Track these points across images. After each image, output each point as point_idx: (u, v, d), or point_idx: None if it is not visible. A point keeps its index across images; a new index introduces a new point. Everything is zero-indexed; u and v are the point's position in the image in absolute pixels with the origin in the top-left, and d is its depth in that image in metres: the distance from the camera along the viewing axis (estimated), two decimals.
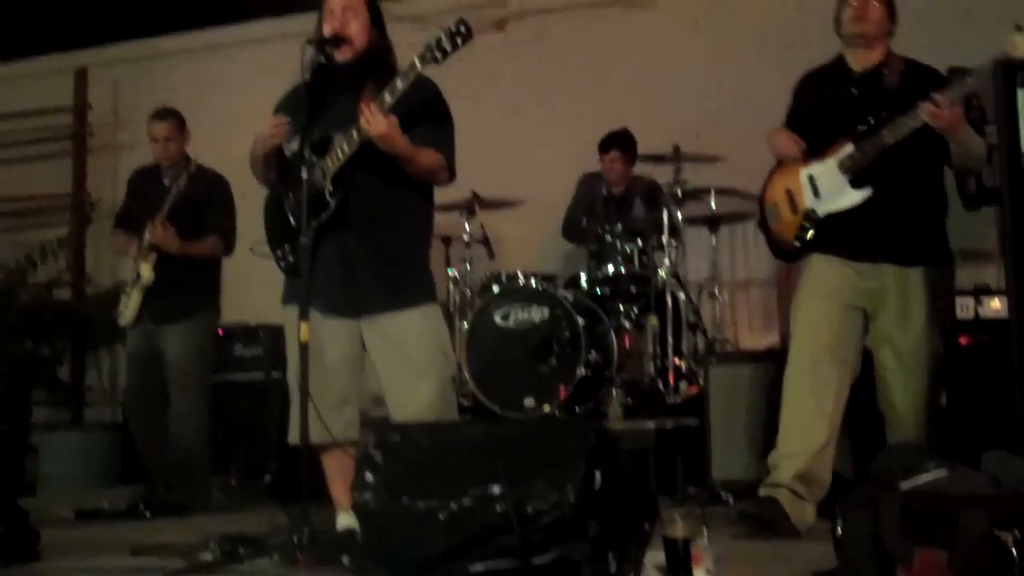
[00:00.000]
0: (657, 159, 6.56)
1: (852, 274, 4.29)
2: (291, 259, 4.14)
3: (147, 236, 5.79)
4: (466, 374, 5.91)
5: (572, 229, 6.87)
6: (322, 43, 4.07)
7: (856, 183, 4.23)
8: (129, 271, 6.03)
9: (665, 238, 6.12)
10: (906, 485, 2.95)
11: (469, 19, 8.04)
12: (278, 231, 4.22)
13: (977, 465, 3.15)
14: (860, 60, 4.34)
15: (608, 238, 6.17)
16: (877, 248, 4.27)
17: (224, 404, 6.36)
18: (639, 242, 6.14)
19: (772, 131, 4.45)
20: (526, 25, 8.21)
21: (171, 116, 6.02)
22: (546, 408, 5.66)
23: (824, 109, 4.38)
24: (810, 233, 4.33)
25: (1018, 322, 3.45)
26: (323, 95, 4.08)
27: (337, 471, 4.24)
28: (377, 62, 4.19)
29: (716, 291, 6.45)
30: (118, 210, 6.29)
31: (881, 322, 4.28)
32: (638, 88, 7.71)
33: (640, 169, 6.80)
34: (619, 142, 6.77)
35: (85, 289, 8.86)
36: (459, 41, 3.92)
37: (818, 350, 4.24)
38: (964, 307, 4.96)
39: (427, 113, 4.14)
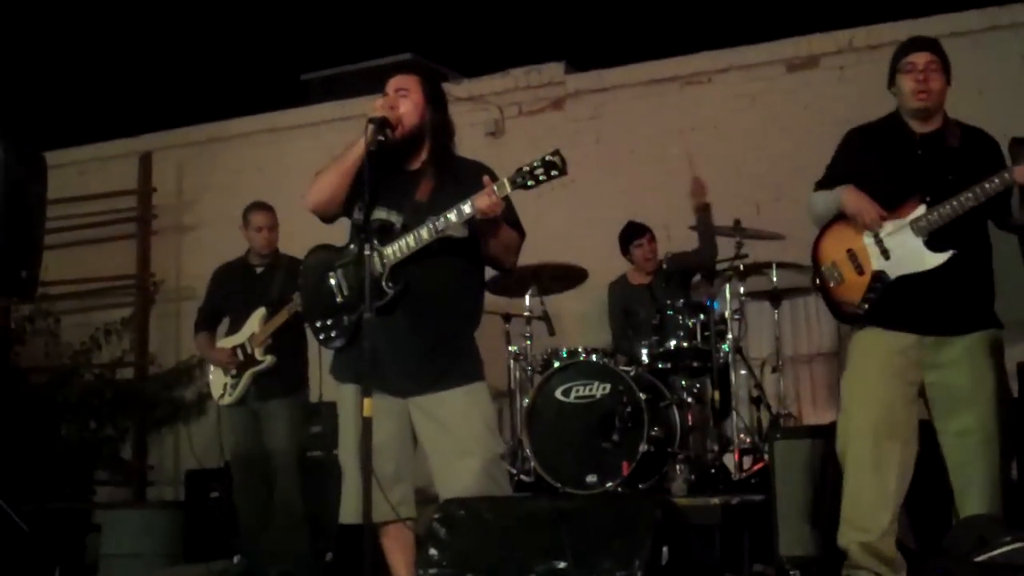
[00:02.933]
0: (718, 232, 6.55)
1: (913, 349, 4.19)
2: (332, 335, 4.18)
3: (254, 323, 6.14)
4: (527, 450, 5.88)
5: (621, 337, 6.89)
6: (379, 123, 4.12)
7: (932, 246, 4.16)
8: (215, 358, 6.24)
9: (727, 312, 6.07)
10: (981, 558, 2.89)
11: (525, 101, 8.23)
12: (319, 304, 4.23)
13: None
14: (920, 124, 4.32)
15: (670, 313, 6.14)
16: (948, 320, 4.19)
17: None
18: (701, 316, 6.10)
19: (847, 191, 4.27)
20: (584, 103, 8.30)
21: (270, 208, 6.37)
22: (608, 485, 5.60)
23: (886, 169, 4.28)
24: (878, 296, 4.22)
25: None
26: (380, 173, 4.12)
27: (396, 548, 4.23)
28: (432, 141, 4.23)
29: (778, 365, 6.38)
30: (202, 312, 6.47)
31: (947, 395, 4.19)
32: (696, 163, 7.74)
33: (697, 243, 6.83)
34: (637, 230, 6.89)
35: (148, 369, 8.96)
36: (553, 173, 3.86)
37: (880, 428, 4.15)
38: None
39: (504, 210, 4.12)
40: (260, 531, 6.12)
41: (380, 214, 4.13)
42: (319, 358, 4.79)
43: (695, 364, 6.14)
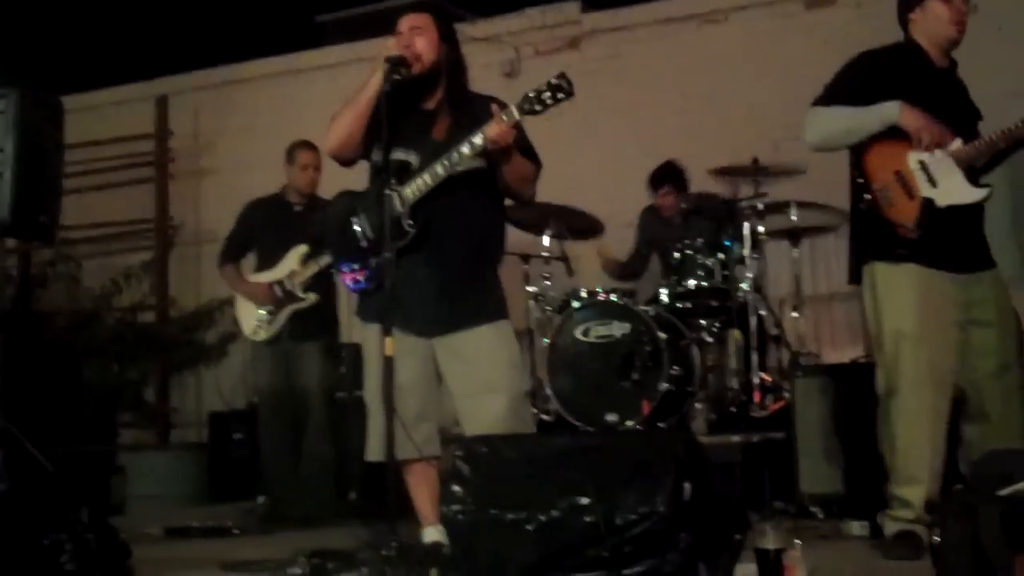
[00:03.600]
0: (736, 172, 6.51)
1: (954, 288, 4.12)
2: (359, 279, 4.19)
3: (292, 260, 6.10)
4: (548, 390, 5.90)
5: (640, 267, 6.92)
6: (394, 62, 4.10)
7: (972, 180, 4.10)
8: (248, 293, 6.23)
9: (746, 251, 6.05)
10: (1006, 491, 2.90)
11: (541, 41, 8.19)
12: (346, 249, 4.26)
13: None
14: (940, 58, 4.24)
15: (688, 252, 6.12)
16: (976, 257, 4.17)
17: None
18: (720, 256, 6.09)
19: (905, 107, 4.06)
20: (600, 43, 8.24)
21: (316, 147, 6.21)
22: (629, 424, 5.62)
23: (914, 96, 4.11)
24: (929, 223, 4.07)
25: None
26: (396, 113, 4.11)
27: (421, 485, 4.26)
28: (448, 79, 4.23)
29: (798, 304, 6.37)
30: (228, 243, 6.45)
31: (979, 332, 4.14)
32: (715, 103, 7.71)
33: (718, 184, 6.77)
34: (669, 177, 6.79)
35: (169, 312, 9.01)
36: (560, 96, 3.89)
37: (942, 376, 4.06)
38: None
39: (518, 140, 4.11)
40: (284, 471, 6.17)
41: (398, 154, 4.12)
42: (346, 300, 4.81)
43: (714, 304, 6.12)
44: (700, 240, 6.17)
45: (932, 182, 4.10)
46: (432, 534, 4.17)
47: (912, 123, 4.06)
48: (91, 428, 7.51)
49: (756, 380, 5.90)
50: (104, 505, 7.03)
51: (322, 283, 6.11)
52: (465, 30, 8.41)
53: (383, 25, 4.39)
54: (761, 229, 6.24)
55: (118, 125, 9.33)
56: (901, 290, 4.14)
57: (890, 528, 4.07)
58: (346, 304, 4.96)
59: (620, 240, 7.04)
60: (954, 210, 4.09)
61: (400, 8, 4.45)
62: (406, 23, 4.19)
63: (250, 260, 6.42)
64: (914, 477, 4.05)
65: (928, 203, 4.08)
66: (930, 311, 4.09)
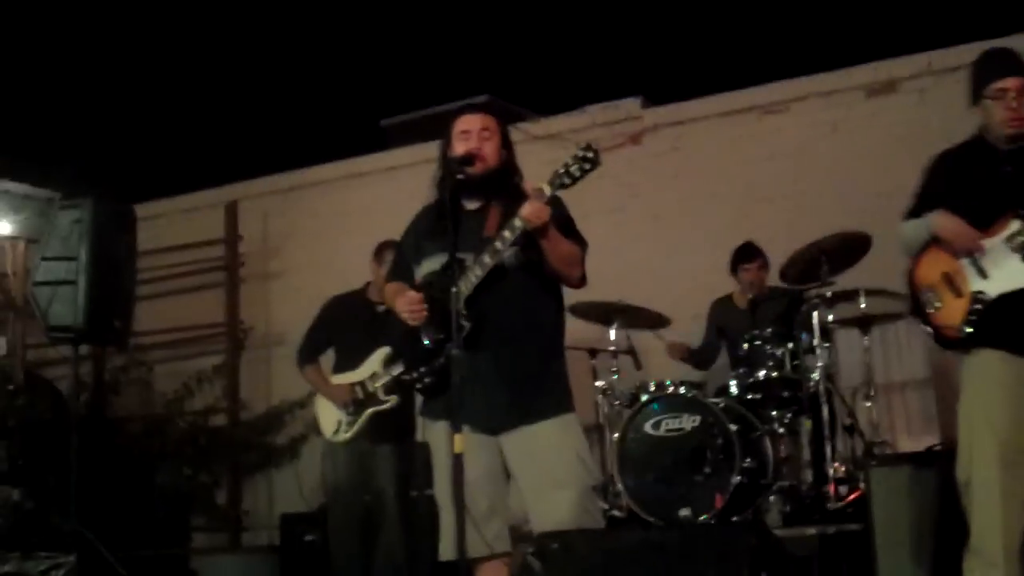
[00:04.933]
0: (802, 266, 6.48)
1: None
2: (428, 380, 4.21)
3: (375, 362, 6.12)
4: (619, 486, 5.86)
5: (710, 356, 6.89)
6: (461, 161, 4.18)
7: None
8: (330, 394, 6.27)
9: (816, 340, 6.00)
10: None
11: (603, 138, 8.28)
12: (413, 355, 4.29)
13: None
14: (1007, 143, 4.26)
15: (757, 343, 6.10)
16: None
17: None
18: (790, 346, 6.04)
19: (940, 215, 4.22)
20: (662, 137, 8.30)
21: None
22: (702, 518, 5.56)
23: (974, 188, 4.22)
24: (980, 317, 4.13)
25: None
26: (456, 213, 4.17)
27: None
28: (507, 181, 4.30)
29: (871, 393, 6.29)
30: (308, 340, 6.50)
31: None
32: (777, 193, 7.71)
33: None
34: (758, 251, 6.79)
35: (240, 415, 9.07)
36: (587, 167, 3.96)
37: (1008, 452, 4.05)
38: None
39: (559, 221, 4.18)
40: (355, 572, 6.15)
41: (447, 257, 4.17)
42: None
43: (785, 394, 6.07)
44: (769, 330, 6.14)
45: (982, 274, 4.16)
46: None
47: (944, 231, 4.21)
48: (164, 532, 7.54)
49: (830, 471, 5.81)
50: None
51: (403, 385, 6.13)
52: (527, 129, 8.54)
53: (443, 127, 4.47)
54: (830, 318, 6.19)
55: (189, 231, 9.48)
56: (975, 375, 4.19)
57: None
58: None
59: (684, 335, 7.02)
60: (1020, 293, 4.08)
61: (459, 111, 4.55)
62: (476, 123, 4.27)
63: (328, 356, 6.46)
64: (992, 562, 4.03)
65: (977, 296, 4.14)
66: (997, 392, 4.10)
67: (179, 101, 10.79)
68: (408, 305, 4.19)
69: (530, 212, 3.94)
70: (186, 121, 10.80)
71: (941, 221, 4.21)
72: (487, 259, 4.07)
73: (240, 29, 10.63)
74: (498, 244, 4.04)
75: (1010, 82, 4.18)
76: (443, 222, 4.16)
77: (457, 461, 3.86)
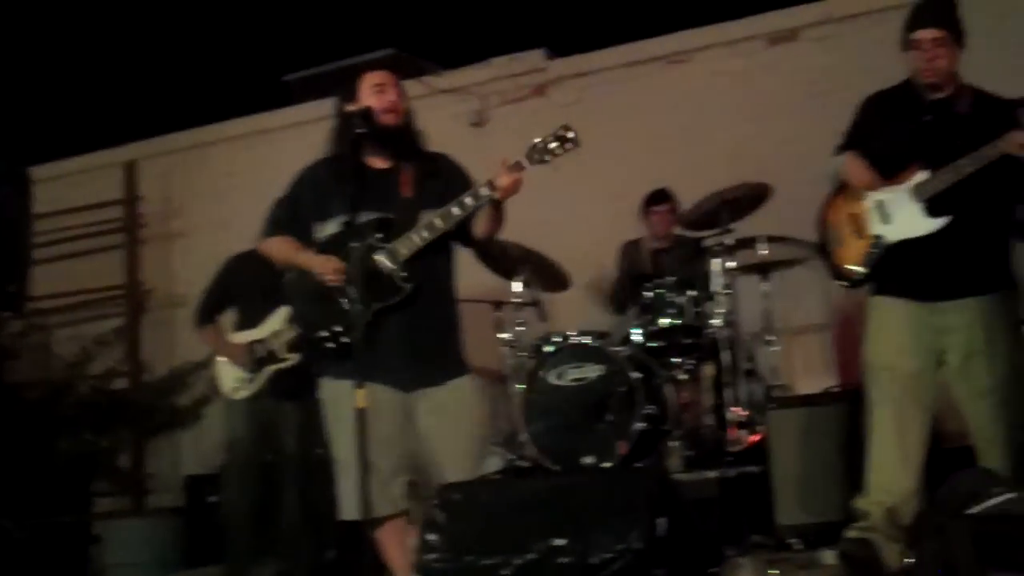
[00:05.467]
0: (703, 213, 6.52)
1: (926, 315, 4.22)
2: (345, 340, 4.15)
3: (277, 320, 6.04)
4: (524, 435, 5.86)
5: (621, 302, 6.90)
6: (364, 114, 4.16)
7: (931, 211, 4.17)
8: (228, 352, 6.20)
9: (717, 288, 6.04)
10: (974, 510, 2.89)
11: (507, 90, 8.24)
12: (323, 313, 4.23)
13: None
14: (931, 91, 4.30)
15: (659, 291, 6.13)
16: (951, 285, 4.20)
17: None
18: (690, 294, 6.08)
19: (847, 159, 4.35)
20: (566, 89, 8.28)
21: None
22: (606, 465, 5.58)
23: (894, 134, 4.31)
24: (877, 260, 4.26)
25: None
26: (353, 174, 4.19)
27: (394, 541, 4.23)
28: (416, 140, 4.37)
29: (771, 338, 6.37)
30: (206, 304, 6.39)
31: (962, 359, 4.20)
32: (682, 143, 7.73)
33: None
34: (667, 196, 6.83)
35: (142, 378, 8.93)
36: (568, 146, 4.10)
37: (903, 397, 4.19)
38: None
39: (465, 181, 4.31)
40: (247, 531, 6.09)
41: (369, 215, 4.17)
42: None
43: (688, 341, 6.11)
44: (671, 278, 6.17)
45: (885, 218, 4.26)
46: None
47: (848, 176, 4.36)
48: (67, 498, 7.44)
49: (731, 415, 5.88)
50: (82, 575, 6.97)
51: (307, 343, 6.05)
52: (431, 82, 8.47)
53: (350, 81, 4.42)
54: (731, 265, 6.25)
55: (87, 192, 9.27)
56: (875, 319, 4.34)
57: (849, 535, 4.17)
58: None
59: (589, 280, 7.04)
60: (918, 241, 4.18)
61: (362, 65, 4.53)
62: (388, 78, 4.28)
63: (229, 316, 6.37)
64: (879, 488, 4.16)
65: (876, 239, 4.25)
66: (894, 339, 4.24)
67: (74, 59, 10.53)
68: (330, 267, 4.15)
69: (510, 183, 4.03)
70: (82, 80, 10.55)
71: (846, 164, 4.35)
72: (438, 223, 4.10)
73: None
74: (455, 210, 4.07)
75: (923, 33, 4.24)
76: (351, 180, 4.15)
77: (360, 416, 3.84)
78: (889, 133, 4.32)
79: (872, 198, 4.29)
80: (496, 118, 8.42)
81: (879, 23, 6.64)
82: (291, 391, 6.06)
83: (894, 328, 4.26)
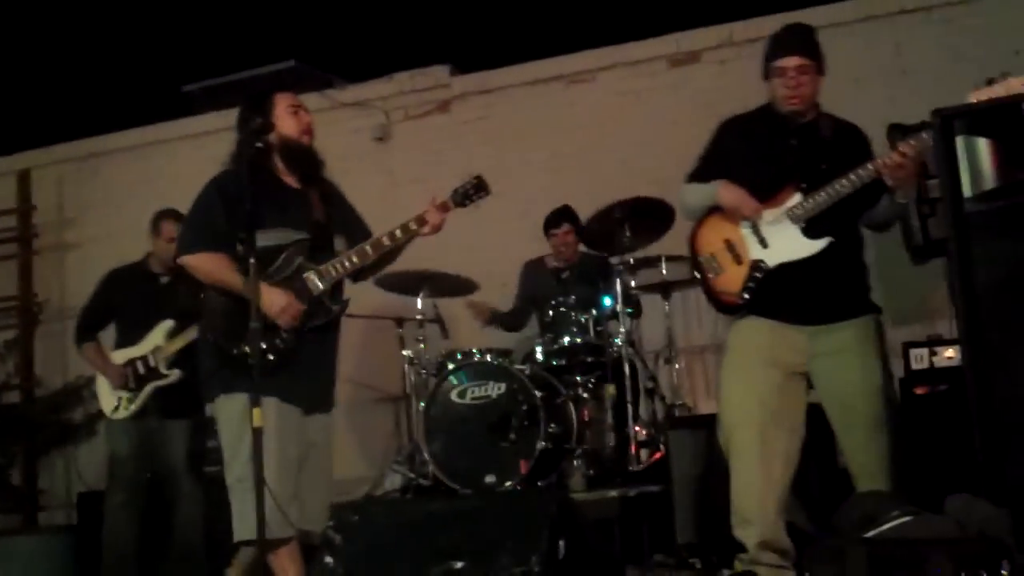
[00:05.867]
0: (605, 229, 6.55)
1: (794, 337, 4.20)
2: (270, 357, 4.14)
3: (158, 336, 5.97)
4: (425, 454, 5.84)
5: (521, 319, 6.90)
6: (259, 129, 4.23)
7: (809, 233, 4.19)
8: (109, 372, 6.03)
9: (619, 307, 6.08)
10: (871, 533, 2.93)
11: (411, 105, 8.22)
12: (237, 331, 4.16)
13: (941, 511, 3.13)
14: (794, 116, 4.35)
15: (562, 310, 6.15)
16: (828, 308, 4.21)
17: None
18: (593, 312, 6.11)
19: (723, 186, 4.29)
20: (470, 105, 8.29)
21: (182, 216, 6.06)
22: (508, 484, 5.58)
23: (761, 157, 4.30)
24: (758, 284, 4.22)
25: (971, 368, 3.45)
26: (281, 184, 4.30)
27: (293, 563, 4.16)
28: (316, 161, 4.46)
29: (672, 357, 6.42)
30: (85, 320, 6.24)
31: (833, 382, 4.20)
32: (584, 161, 7.78)
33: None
34: (568, 216, 6.81)
35: (35, 391, 8.74)
36: (482, 193, 4.46)
37: (766, 419, 4.13)
38: (918, 358, 5.02)
39: (352, 210, 4.58)
40: (128, 555, 5.96)
41: (285, 234, 4.23)
42: None
43: (589, 359, 6.14)
44: (572, 297, 6.20)
45: (763, 243, 4.25)
46: None
47: (726, 201, 4.29)
48: None
49: (632, 434, 5.91)
50: None
51: (188, 358, 5.94)
52: (335, 95, 8.42)
53: (258, 97, 4.41)
54: (633, 283, 6.29)
55: None
56: (738, 340, 4.31)
57: (737, 567, 4.14)
58: None
59: (493, 299, 7.04)
60: (796, 264, 4.19)
61: (267, 76, 4.53)
62: (295, 100, 4.40)
63: (110, 333, 6.22)
64: (747, 520, 4.14)
65: (756, 264, 4.23)
66: (761, 358, 4.19)
67: None
68: (291, 314, 4.17)
69: (438, 223, 4.32)
70: None
71: (723, 190, 4.29)
72: (369, 251, 4.26)
73: None
74: (386, 240, 4.27)
75: (787, 61, 4.25)
76: (281, 194, 4.28)
77: (257, 436, 3.79)
78: (754, 157, 4.31)
79: (746, 223, 4.27)
80: (399, 133, 8.40)
81: None
82: (175, 409, 5.98)
83: (758, 347, 4.20)
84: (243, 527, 4.06)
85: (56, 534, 7.58)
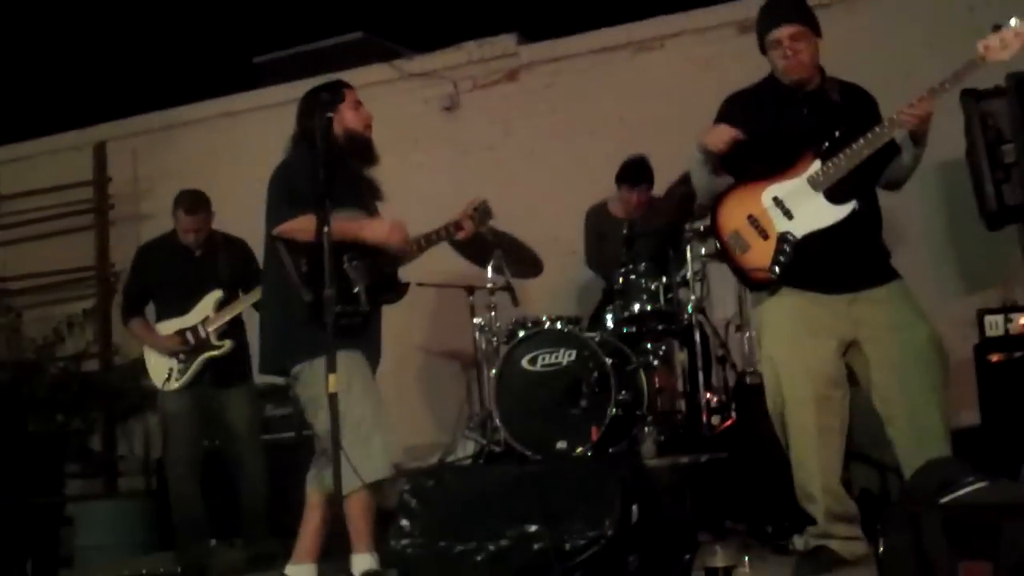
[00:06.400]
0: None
1: (835, 306, 4.16)
2: (356, 320, 4.55)
3: (207, 306, 6.03)
4: (497, 420, 5.89)
5: (597, 261, 6.89)
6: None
7: (833, 199, 4.13)
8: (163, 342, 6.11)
9: (690, 274, 6.07)
10: (946, 499, 2.92)
11: (479, 75, 8.24)
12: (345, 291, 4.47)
13: (1016, 478, 3.12)
14: (800, 85, 4.29)
15: (632, 277, 6.14)
16: (854, 274, 4.18)
17: None
18: (664, 279, 6.10)
19: (708, 130, 4.30)
20: (537, 74, 8.28)
21: (202, 207, 6.16)
22: (579, 450, 5.62)
23: (774, 130, 4.24)
24: (788, 257, 4.15)
25: None
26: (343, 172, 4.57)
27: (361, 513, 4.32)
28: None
29: (743, 324, 6.40)
30: (128, 298, 6.36)
31: (879, 349, 4.16)
32: (652, 128, 7.73)
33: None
34: (650, 176, 6.78)
35: (113, 359, 8.90)
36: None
37: (820, 393, 4.11)
38: (993, 325, 4.96)
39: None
40: (198, 522, 6.06)
41: (357, 214, 4.61)
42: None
43: (660, 327, 6.14)
44: (643, 264, 6.19)
45: (787, 215, 4.17)
46: (366, 562, 4.29)
47: (708, 140, 4.29)
48: (37, 480, 7.41)
49: (703, 401, 5.92)
50: (52, 557, 6.96)
51: (237, 328, 6.08)
52: (403, 66, 8.45)
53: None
54: (703, 251, 6.27)
55: (56, 173, 9.23)
56: (781, 314, 4.23)
57: (804, 544, 4.18)
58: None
59: (562, 266, 7.06)
60: (825, 233, 4.13)
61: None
62: (357, 95, 4.75)
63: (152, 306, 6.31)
64: (810, 496, 4.14)
65: (784, 237, 4.16)
66: (804, 332, 4.14)
67: (44, 39, 10.45)
68: (400, 232, 4.72)
69: (470, 233, 5.01)
70: (52, 60, 10.47)
71: (701, 138, 4.30)
72: (423, 243, 4.86)
73: None
74: (423, 241, 4.83)
75: (781, 32, 4.21)
76: (352, 179, 4.63)
77: (333, 399, 3.89)
78: (767, 131, 4.24)
79: (768, 195, 4.19)
80: (467, 102, 8.41)
81: None
82: (226, 378, 6.07)
83: (804, 321, 4.15)
84: (373, 468, 4.26)
85: (135, 499, 7.80)
